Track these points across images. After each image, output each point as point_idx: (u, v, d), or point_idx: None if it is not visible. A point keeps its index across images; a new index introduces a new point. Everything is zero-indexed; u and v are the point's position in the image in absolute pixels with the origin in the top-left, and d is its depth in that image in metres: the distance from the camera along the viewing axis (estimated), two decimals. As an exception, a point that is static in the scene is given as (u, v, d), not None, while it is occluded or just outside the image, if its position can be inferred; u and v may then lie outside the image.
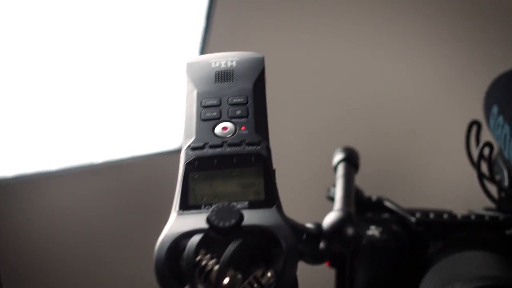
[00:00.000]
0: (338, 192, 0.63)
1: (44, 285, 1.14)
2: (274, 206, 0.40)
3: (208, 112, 0.46)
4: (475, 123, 0.74)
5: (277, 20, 1.17)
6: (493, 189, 0.71)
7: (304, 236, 0.55)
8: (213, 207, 0.39)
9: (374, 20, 1.17)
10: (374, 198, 0.76)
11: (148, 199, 1.18)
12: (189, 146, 0.44)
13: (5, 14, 0.89)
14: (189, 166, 0.43)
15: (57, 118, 1.05)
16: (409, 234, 0.71)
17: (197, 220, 0.39)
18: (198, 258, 0.38)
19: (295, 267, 0.38)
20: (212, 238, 0.38)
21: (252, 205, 0.40)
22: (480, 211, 0.73)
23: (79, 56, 1.01)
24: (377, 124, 1.21)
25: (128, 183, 1.16)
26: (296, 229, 0.54)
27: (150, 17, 1.04)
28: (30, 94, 0.99)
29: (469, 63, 1.20)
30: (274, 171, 0.43)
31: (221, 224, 0.38)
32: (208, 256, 0.38)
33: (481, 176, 0.69)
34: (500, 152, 0.71)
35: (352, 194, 0.64)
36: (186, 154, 0.44)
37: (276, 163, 0.43)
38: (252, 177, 0.42)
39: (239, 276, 0.38)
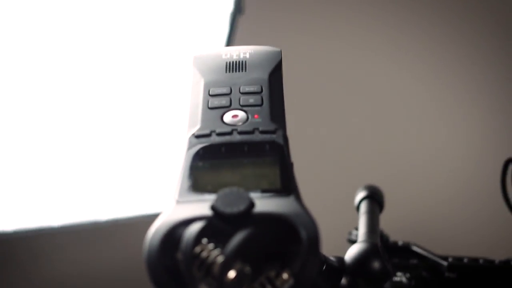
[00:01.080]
0: (362, 227, 0.57)
1: None
2: (292, 195, 0.34)
3: (216, 100, 0.40)
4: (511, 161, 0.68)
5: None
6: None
7: (324, 267, 0.48)
8: (219, 192, 0.33)
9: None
10: (400, 243, 0.68)
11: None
12: (193, 134, 0.38)
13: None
14: (192, 154, 0.37)
15: (63, 172, 1.01)
16: (440, 282, 0.64)
17: (199, 207, 0.32)
18: (199, 249, 0.31)
19: (316, 266, 0.31)
20: (217, 228, 0.31)
21: (266, 194, 0.34)
22: (521, 257, 0.66)
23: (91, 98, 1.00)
24: (401, 166, 1.13)
25: (134, 243, 1.10)
26: None
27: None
28: (36, 147, 0.97)
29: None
30: (291, 164, 0.37)
31: (227, 210, 0.31)
32: (210, 246, 0.31)
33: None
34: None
35: (378, 228, 0.57)
36: (190, 142, 0.38)
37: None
38: (266, 167, 0.36)
39: (249, 270, 0.31)
